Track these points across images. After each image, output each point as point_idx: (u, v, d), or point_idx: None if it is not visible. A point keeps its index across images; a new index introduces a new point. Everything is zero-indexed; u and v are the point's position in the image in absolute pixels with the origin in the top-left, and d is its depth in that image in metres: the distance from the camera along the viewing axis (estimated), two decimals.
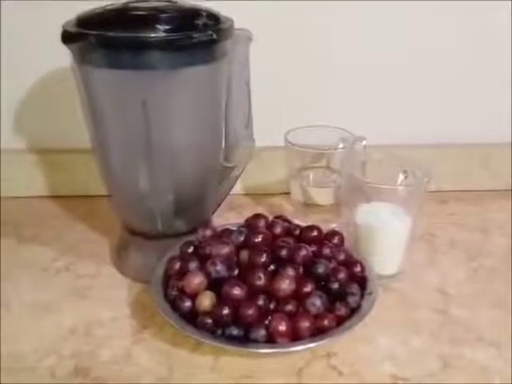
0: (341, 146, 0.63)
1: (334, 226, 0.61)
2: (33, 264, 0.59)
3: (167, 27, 0.46)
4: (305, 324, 0.45)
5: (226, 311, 0.45)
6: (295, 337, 0.45)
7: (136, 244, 0.58)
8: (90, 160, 0.59)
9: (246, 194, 0.73)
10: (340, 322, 0.46)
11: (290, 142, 0.62)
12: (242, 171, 0.64)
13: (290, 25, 0.66)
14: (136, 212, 0.56)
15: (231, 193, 0.64)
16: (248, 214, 0.56)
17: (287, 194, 0.68)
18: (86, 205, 0.70)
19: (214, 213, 0.62)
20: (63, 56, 0.49)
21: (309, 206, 0.64)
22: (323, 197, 0.64)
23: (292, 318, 0.45)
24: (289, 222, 0.55)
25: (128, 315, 0.52)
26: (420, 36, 0.68)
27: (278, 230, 0.53)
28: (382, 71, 0.69)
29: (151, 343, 0.49)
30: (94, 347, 0.48)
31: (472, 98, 0.71)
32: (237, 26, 0.52)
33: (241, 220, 0.56)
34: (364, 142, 0.62)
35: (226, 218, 0.66)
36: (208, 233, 0.53)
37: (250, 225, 0.54)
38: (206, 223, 0.58)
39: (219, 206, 0.63)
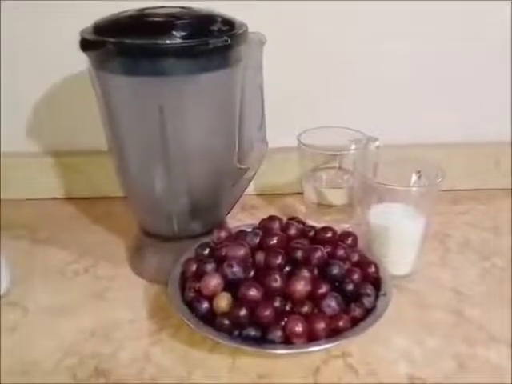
0: (353, 146, 0.63)
1: (346, 226, 0.62)
2: (51, 266, 0.60)
3: (183, 33, 0.46)
4: (320, 325, 0.45)
5: (243, 312, 0.46)
6: (311, 338, 0.45)
7: (152, 246, 0.58)
8: (106, 162, 0.60)
9: (259, 195, 0.73)
10: (355, 322, 0.47)
11: (302, 144, 0.63)
12: (255, 173, 0.64)
13: (299, 26, 0.66)
14: (152, 214, 0.57)
15: (244, 193, 0.65)
16: (261, 214, 0.57)
17: (300, 194, 0.68)
18: (102, 207, 0.71)
19: (227, 214, 0.62)
20: (78, 59, 0.49)
21: (322, 206, 0.65)
22: (336, 197, 0.65)
23: (308, 319, 0.46)
24: (303, 223, 0.56)
25: (146, 316, 0.53)
26: (430, 38, 0.68)
27: (292, 231, 0.53)
28: (392, 72, 0.69)
29: (169, 344, 0.50)
30: (114, 349, 0.49)
31: (482, 96, 0.71)
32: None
33: (254, 221, 0.57)
34: (377, 143, 0.62)
35: (239, 218, 0.67)
36: (223, 235, 0.54)
37: (265, 227, 0.54)
38: (221, 225, 0.59)
39: (233, 207, 0.63)
